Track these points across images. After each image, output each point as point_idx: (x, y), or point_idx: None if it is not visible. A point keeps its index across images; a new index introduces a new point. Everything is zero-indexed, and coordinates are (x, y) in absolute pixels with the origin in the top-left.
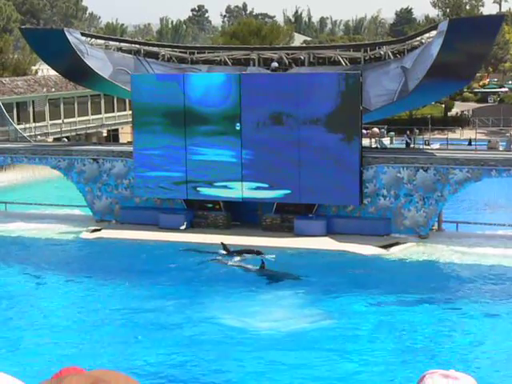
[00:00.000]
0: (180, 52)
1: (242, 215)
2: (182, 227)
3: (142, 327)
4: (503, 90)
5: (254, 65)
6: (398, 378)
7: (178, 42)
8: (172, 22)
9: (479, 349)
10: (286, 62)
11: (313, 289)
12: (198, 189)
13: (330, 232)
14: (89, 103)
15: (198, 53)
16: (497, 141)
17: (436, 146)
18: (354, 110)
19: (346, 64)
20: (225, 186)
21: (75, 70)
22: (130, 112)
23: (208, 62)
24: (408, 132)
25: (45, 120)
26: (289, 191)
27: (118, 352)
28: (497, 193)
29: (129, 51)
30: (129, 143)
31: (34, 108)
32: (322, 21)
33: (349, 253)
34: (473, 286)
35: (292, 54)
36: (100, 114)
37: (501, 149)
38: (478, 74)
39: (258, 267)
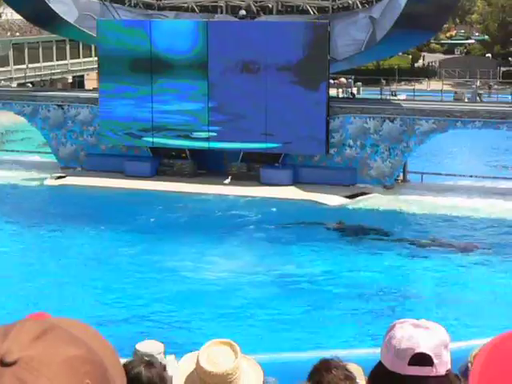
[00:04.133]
0: None
1: (208, 164)
2: (227, 181)
3: (103, 274)
4: (470, 41)
5: (221, 12)
6: (365, 326)
7: None
8: None
9: (443, 297)
10: (254, 10)
11: (277, 236)
12: (164, 137)
13: (296, 181)
14: (54, 48)
15: None
16: (463, 92)
17: (403, 96)
18: (321, 60)
19: (314, 13)
20: (191, 134)
21: (40, 14)
22: (96, 58)
23: (175, 9)
24: (353, 84)
25: (9, 65)
26: (256, 139)
27: (77, 297)
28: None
29: None
30: (94, 89)
31: None
32: None
33: (314, 202)
34: (435, 235)
35: (260, 1)
36: (65, 59)
37: (466, 100)
38: (445, 26)
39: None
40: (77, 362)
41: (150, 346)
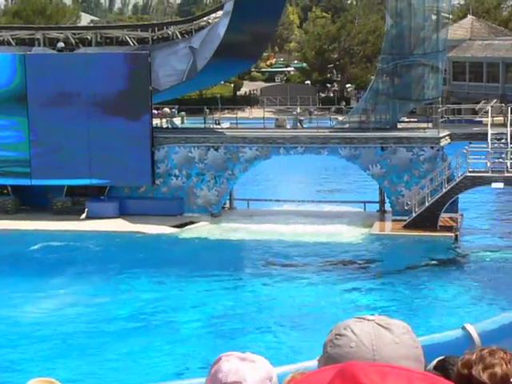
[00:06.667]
0: None
1: (31, 199)
2: (83, 216)
3: None
4: (289, 69)
5: (39, 45)
6: (196, 357)
7: None
8: None
9: (276, 318)
10: (73, 42)
11: (104, 270)
12: None
13: (123, 213)
14: None
15: None
16: (284, 119)
17: (226, 125)
18: (143, 91)
19: (134, 44)
20: (12, 170)
21: None
22: None
23: None
24: (176, 113)
25: None
26: (80, 175)
27: None
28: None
29: None
30: None
31: None
32: (112, 1)
33: (141, 233)
34: (261, 260)
35: (79, 33)
36: None
37: (288, 127)
38: (264, 54)
39: None
40: None
41: None
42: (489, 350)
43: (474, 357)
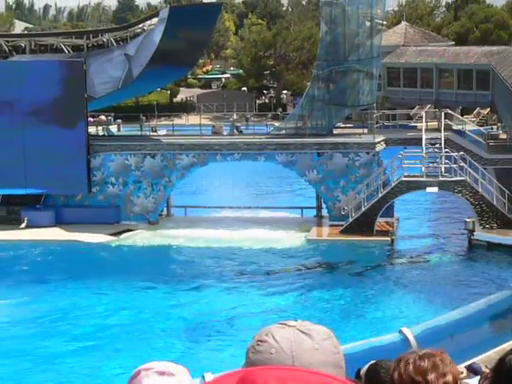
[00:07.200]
0: None
1: None
2: (23, 225)
3: None
4: (225, 75)
5: None
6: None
7: None
8: None
9: (209, 324)
10: (6, 49)
11: (41, 280)
12: None
13: (59, 222)
14: None
15: None
16: (221, 125)
17: (163, 132)
18: (78, 98)
19: (69, 51)
20: None
21: None
22: None
23: None
24: (112, 121)
25: None
26: (15, 184)
27: None
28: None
29: None
30: None
31: None
32: (46, 8)
33: (78, 242)
34: (200, 267)
35: (12, 41)
36: None
37: (225, 133)
38: (201, 61)
39: None
40: None
41: None
42: (440, 356)
43: (426, 363)
